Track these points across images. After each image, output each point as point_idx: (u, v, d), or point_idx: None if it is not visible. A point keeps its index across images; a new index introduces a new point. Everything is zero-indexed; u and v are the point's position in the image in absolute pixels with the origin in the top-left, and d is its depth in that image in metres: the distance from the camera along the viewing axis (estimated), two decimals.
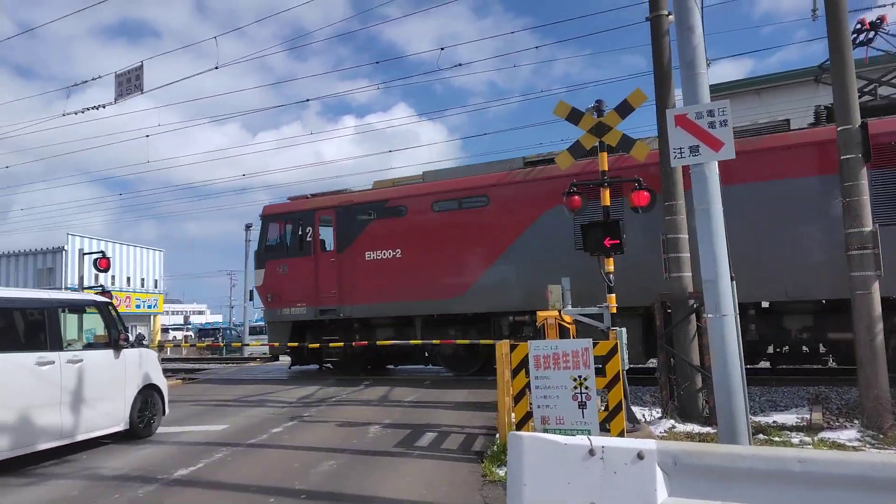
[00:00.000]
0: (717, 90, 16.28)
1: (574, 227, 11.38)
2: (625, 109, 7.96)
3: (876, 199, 8.36)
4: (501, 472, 5.96)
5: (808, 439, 7.02)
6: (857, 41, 10.66)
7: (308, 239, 14.99)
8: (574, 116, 8.20)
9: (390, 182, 14.97)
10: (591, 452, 3.35)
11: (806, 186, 10.13)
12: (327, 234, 14.99)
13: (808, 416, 8.21)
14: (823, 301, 10.26)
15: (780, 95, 17.25)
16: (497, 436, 7.32)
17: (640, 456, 3.29)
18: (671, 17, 8.35)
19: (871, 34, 10.92)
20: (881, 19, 10.63)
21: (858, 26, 10.94)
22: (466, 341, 12.95)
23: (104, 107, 13.00)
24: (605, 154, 8.27)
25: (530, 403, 6.20)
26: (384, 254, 13.90)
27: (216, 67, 12.56)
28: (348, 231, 14.41)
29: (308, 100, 46.44)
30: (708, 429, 7.57)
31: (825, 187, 9.72)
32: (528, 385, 6.22)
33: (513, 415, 6.67)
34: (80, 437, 7.43)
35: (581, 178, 9.86)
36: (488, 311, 13.00)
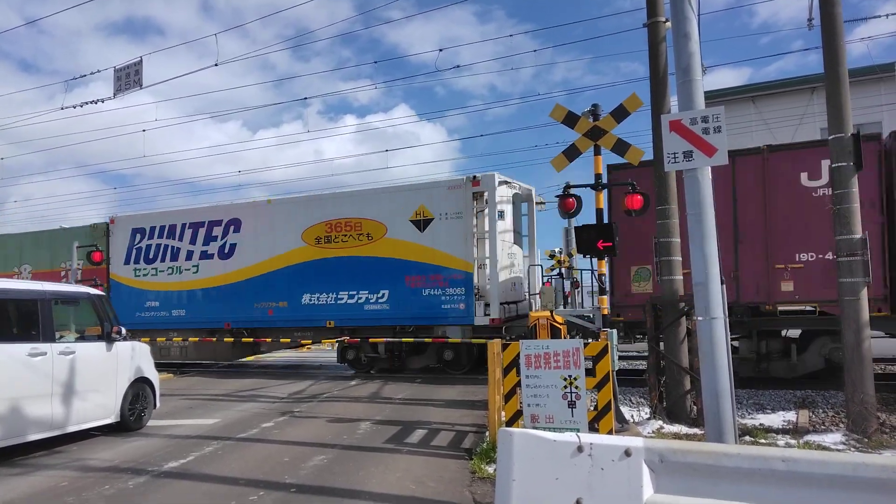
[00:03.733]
0: (713, 96, 16.39)
1: None
2: (620, 114, 8.02)
3: None
4: (490, 469, 6.01)
5: (793, 441, 7.10)
6: None
7: None
8: (570, 120, 8.26)
9: None
10: (580, 449, 3.40)
11: None
12: None
13: (793, 419, 8.31)
14: None
15: (775, 103, 17.40)
16: (487, 433, 7.38)
17: (627, 453, 3.35)
18: (668, 24, 8.42)
19: None
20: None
21: None
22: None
23: (103, 101, 13.00)
24: (600, 157, 8.33)
25: (520, 402, 6.27)
26: None
27: (216, 64, 12.60)
28: None
29: (306, 98, 46.45)
30: (696, 430, 7.65)
31: None
32: (518, 384, 6.28)
33: (503, 413, 6.73)
34: (70, 429, 7.44)
35: None
36: None
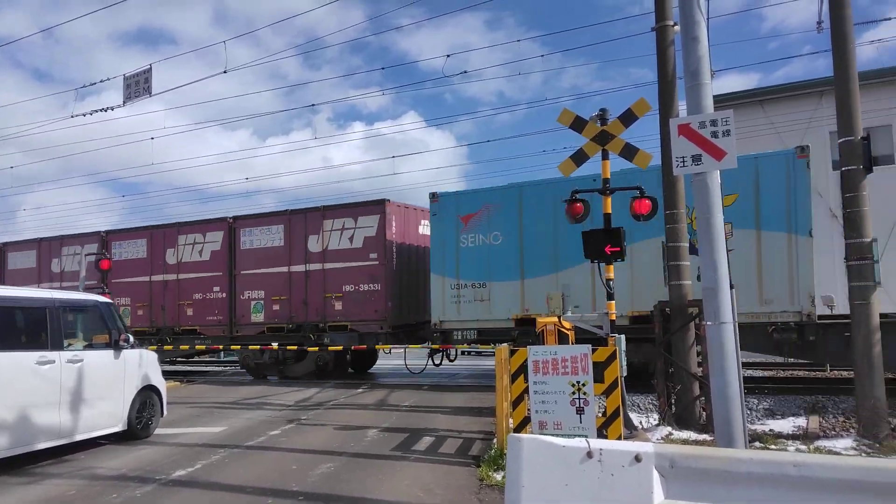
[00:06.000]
0: (721, 101, 16.33)
1: None
2: (628, 118, 7.99)
3: None
4: (498, 477, 5.97)
5: (803, 447, 7.03)
6: None
7: None
8: (578, 124, 8.23)
9: None
10: (590, 455, 3.37)
11: None
12: None
13: (804, 425, 8.23)
14: None
15: (784, 107, 17.31)
16: (494, 440, 7.33)
17: (637, 458, 3.31)
18: (677, 28, 8.41)
19: None
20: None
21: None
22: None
23: (112, 109, 13.06)
24: (608, 162, 8.30)
25: (528, 408, 6.22)
26: None
27: (224, 71, 12.66)
28: None
29: (313, 104, 46.55)
30: (705, 436, 7.59)
31: None
32: (526, 390, 6.24)
33: (511, 420, 6.69)
34: (78, 437, 7.44)
35: None
36: None
